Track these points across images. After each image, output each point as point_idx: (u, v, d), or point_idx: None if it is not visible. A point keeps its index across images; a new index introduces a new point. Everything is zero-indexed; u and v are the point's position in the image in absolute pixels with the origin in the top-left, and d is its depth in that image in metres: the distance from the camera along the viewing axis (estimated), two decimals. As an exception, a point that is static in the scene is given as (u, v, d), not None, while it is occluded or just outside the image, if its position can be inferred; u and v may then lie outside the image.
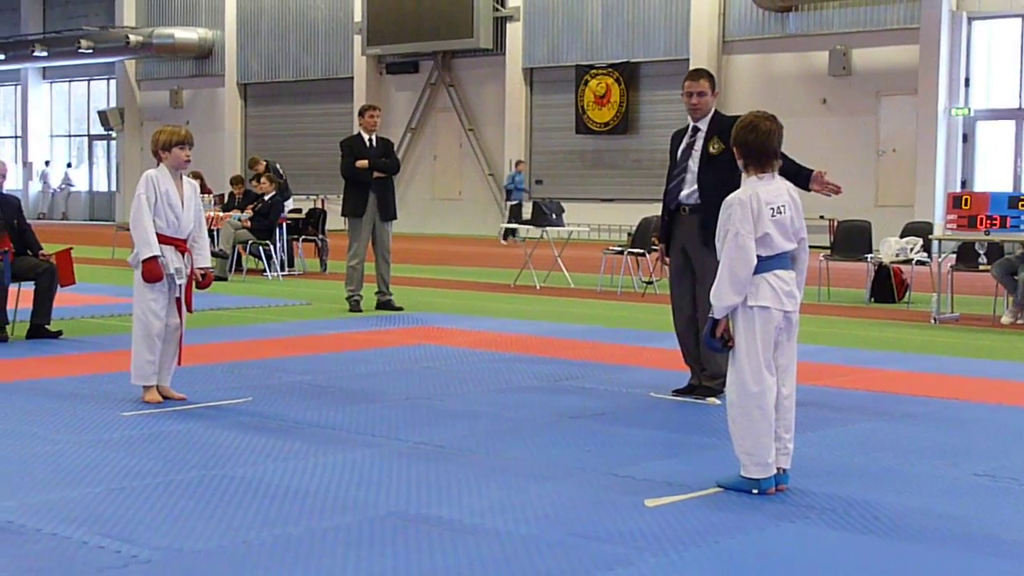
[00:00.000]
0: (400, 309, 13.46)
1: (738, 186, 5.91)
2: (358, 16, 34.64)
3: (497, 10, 32.35)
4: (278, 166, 20.82)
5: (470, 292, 16.28)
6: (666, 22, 29.60)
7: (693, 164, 8.02)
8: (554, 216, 17.37)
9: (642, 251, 16.10)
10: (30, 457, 6.17)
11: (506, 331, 11.77)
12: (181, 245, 7.70)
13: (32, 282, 10.62)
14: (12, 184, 35.28)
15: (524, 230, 18.08)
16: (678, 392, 8.16)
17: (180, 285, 7.66)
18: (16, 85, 44.72)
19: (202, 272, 7.79)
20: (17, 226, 10.80)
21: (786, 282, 5.59)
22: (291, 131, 37.11)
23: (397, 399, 7.94)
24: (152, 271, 7.50)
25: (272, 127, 37.72)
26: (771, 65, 28.13)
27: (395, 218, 13.82)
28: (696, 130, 8.11)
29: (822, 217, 25.21)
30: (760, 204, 5.53)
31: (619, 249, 16.53)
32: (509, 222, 22.25)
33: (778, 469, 5.57)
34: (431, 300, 14.79)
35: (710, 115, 8.11)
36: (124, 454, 6.22)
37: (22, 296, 10.85)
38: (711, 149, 7.96)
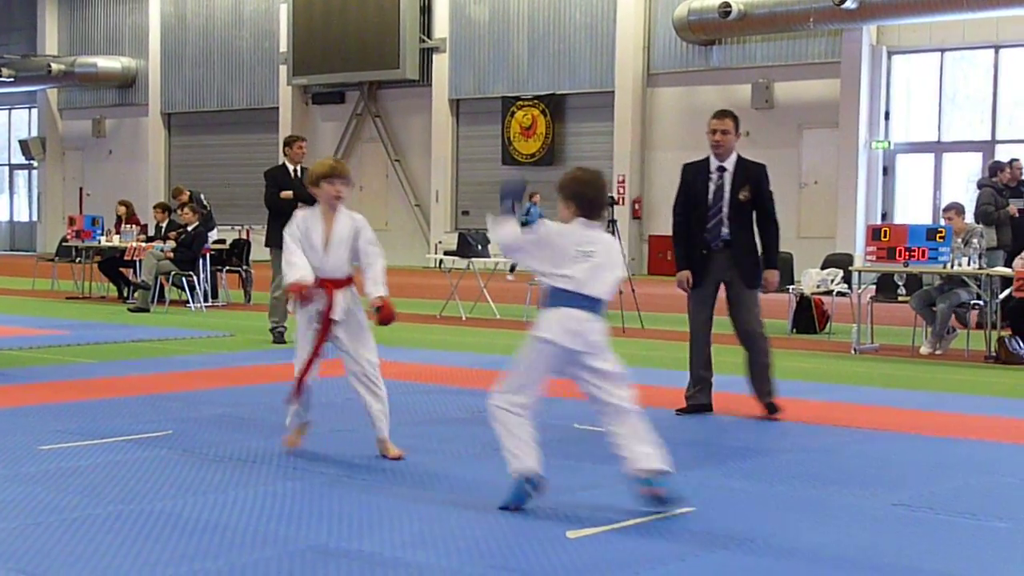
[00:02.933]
0: (325, 340, 13.38)
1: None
2: (284, 46, 34.56)
3: (423, 41, 32.43)
4: (202, 196, 20.65)
5: (396, 323, 16.19)
6: (591, 55, 29.82)
7: (726, 207, 8.52)
8: (480, 247, 17.39)
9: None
10: (-57, 492, 6.05)
11: (432, 362, 11.75)
12: (327, 286, 7.04)
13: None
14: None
15: (450, 261, 18.06)
16: (686, 411, 8.78)
17: (315, 328, 7.06)
18: (-65, 113, 44.10)
19: (376, 305, 7.08)
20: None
21: (577, 322, 5.74)
22: (215, 161, 36.88)
23: (320, 431, 7.88)
24: (294, 289, 6.95)
25: (196, 157, 37.47)
26: (695, 98, 28.42)
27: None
28: (722, 170, 8.53)
29: (745, 248, 25.45)
30: (568, 242, 5.77)
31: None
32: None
33: (643, 472, 5.75)
34: (356, 331, 14.70)
35: (734, 157, 8.58)
36: (41, 489, 6.13)
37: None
38: (740, 197, 8.51)
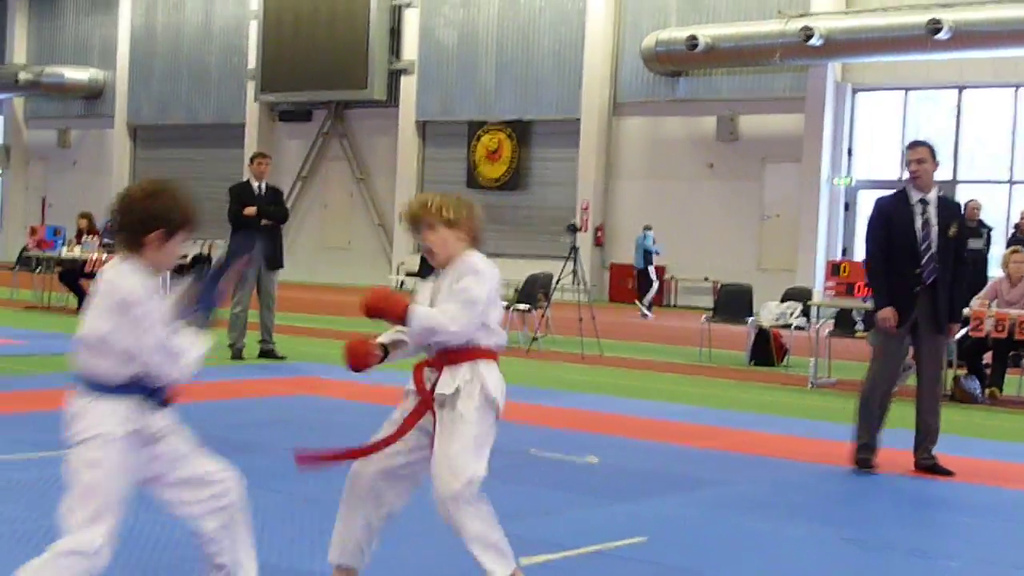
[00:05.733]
0: (283, 358, 13.37)
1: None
2: (252, 62, 34.53)
3: (392, 63, 32.47)
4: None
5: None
6: (558, 82, 29.94)
7: (934, 244, 8.04)
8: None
9: (528, 307, 16.20)
10: None
11: (389, 383, 11.71)
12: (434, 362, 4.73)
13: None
14: None
15: (411, 282, 18.08)
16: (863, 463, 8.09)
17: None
18: (-102, 118, 43.77)
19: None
20: None
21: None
22: (180, 175, 36.65)
23: (276, 449, 7.87)
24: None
25: (161, 170, 37.25)
26: (660, 128, 28.59)
27: (281, 267, 13.75)
28: (924, 203, 8.08)
29: (706, 279, 25.61)
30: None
31: (505, 304, 16.60)
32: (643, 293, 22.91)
33: None
34: (315, 350, 14.71)
35: (936, 191, 8.15)
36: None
37: None
38: (950, 233, 8.08)
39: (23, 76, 38.19)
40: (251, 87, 34.61)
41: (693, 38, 26.58)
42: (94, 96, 38.82)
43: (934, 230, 8.05)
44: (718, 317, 16.23)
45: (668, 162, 28.23)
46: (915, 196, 8.12)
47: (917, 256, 8.02)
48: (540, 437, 8.74)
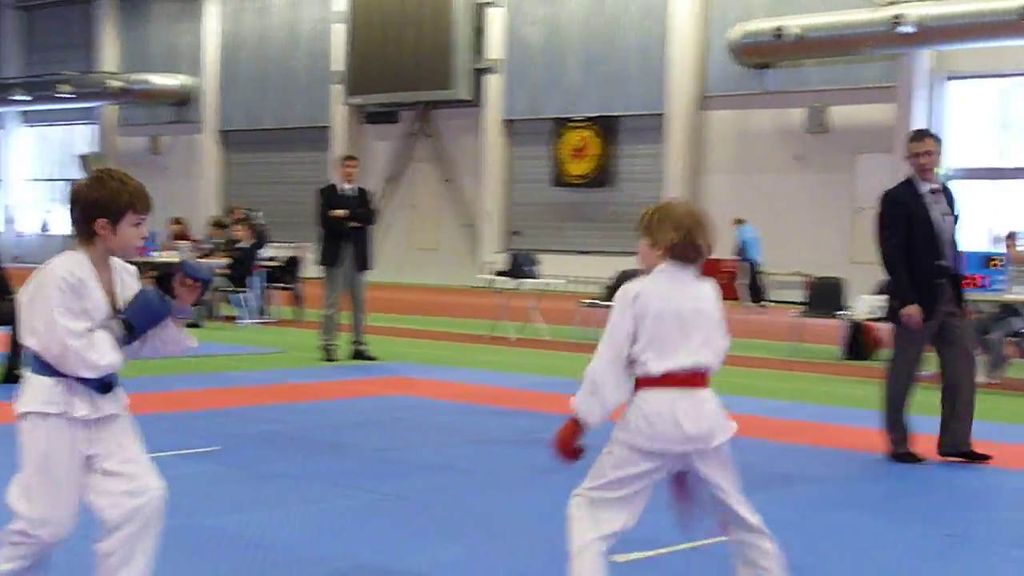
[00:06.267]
0: (375, 359, 13.42)
1: None
2: (339, 65, 34.78)
3: (477, 62, 32.53)
4: (258, 214, 20.82)
5: (445, 343, 16.26)
6: (644, 77, 29.80)
7: (949, 232, 8.04)
8: (530, 268, 17.40)
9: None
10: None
11: (480, 382, 11.75)
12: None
13: (8, 327, 10.50)
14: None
15: (500, 281, 18.07)
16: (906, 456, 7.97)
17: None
18: (-5, 128, 44.75)
19: None
20: (-5, 270, 10.73)
21: None
22: (269, 179, 37.13)
23: (368, 450, 7.91)
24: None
25: (250, 175, 37.73)
26: (748, 121, 28.33)
27: (370, 268, 13.81)
28: (934, 192, 8.03)
29: (797, 273, 25.31)
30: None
31: (595, 301, 16.55)
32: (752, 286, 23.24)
33: None
34: (406, 350, 14.76)
35: (940, 179, 8.12)
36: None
37: (-5, 340, 10.77)
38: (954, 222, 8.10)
39: (113, 84, 38.82)
40: (338, 90, 34.85)
41: (780, 29, 26.32)
42: (183, 102, 39.34)
43: (948, 219, 8.02)
44: (810, 311, 16.02)
45: (756, 155, 27.96)
46: (924, 187, 8.03)
47: (938, 247, 7.96)
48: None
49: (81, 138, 43.10)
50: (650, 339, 4.12)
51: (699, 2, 28.97)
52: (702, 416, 4.18)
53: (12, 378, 10.51)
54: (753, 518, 4.24)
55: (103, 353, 3.96)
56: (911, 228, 7.98)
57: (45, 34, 43.68)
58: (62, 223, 43.70)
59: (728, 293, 25.87)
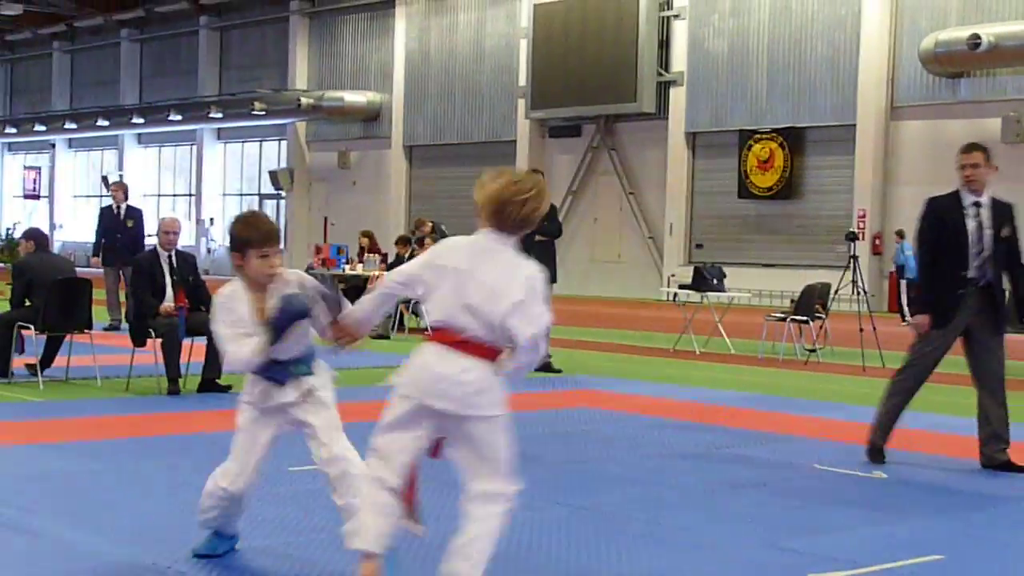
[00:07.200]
0: (559, 372, 13.46)
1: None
2: (522, 80, 35.05)
3: (661, 75, 32.43)
4: (443, 227, 21.08)
5: (629, 355, 16.23)
6: (833, 86, 29.32)
7: (987, 246, 8.08)
8: (715, 281, 17.24)
9: (805, 318, 15.86)
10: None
11: (665, 396, 11.69)
12: None
13: (204, 337, 10.80)
14: (184, 240, 36.37)
15: (684, 294, 17.95)
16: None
17: None
18: (192, 145, 46.28)
19: None
20: (192, 282, 11.13)
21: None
22: (455, 193, 37.56)
23: (556, 462, 7.93)
24: None
25: (436, 189, 38.26)
26: (940, 131, 27.61)
27: (555, 281, 13.85)
28: (977, 206, 8.11)
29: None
30: None
31: (781, 316, 16.32)
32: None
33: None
34: (590, 363, 14.77)
35: (988, 193, 8.18)
36: (293, 508, 6.32)
37: (194, 351, 11.12)
38: (1003, 234, 8.14)
39: (305, 101, 39.86)
40: (522, 104, 35.12)
41: (975, 37, 25.62)
42: (372, 118, 40.15)
43: (988, 233, 8.03)
44: (1014, 328, 15.49)
45: (950, 166, 26.91)
46: (968, 199, 8.09)
47: (965, 258, 8.00)
48: (824, 451, 8.54)
49: (272, 153, 44.35)
50: None
51: (889, 11, 28.40)
52: None
53: (211, 387, 10.87)
54: None
55: (233, 353, 5.01)
56: (941, 237, 8.12)
57: (239, 53, 45.12)
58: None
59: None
